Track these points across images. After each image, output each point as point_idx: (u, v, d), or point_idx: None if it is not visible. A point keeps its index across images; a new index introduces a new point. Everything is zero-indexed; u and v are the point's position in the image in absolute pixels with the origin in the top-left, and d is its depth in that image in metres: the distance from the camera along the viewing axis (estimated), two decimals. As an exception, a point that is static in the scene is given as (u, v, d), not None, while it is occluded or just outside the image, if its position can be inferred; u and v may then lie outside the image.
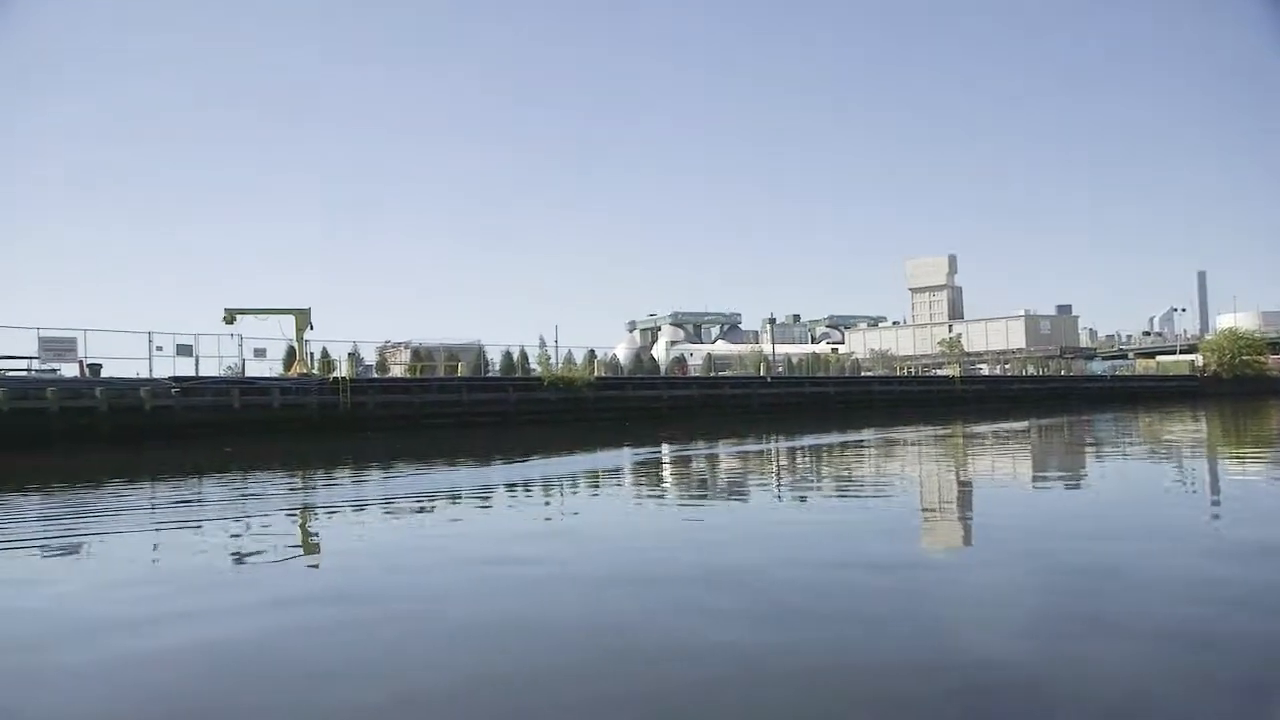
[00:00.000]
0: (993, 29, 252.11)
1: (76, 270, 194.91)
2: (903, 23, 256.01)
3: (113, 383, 31.33)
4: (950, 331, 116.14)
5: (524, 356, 51.24)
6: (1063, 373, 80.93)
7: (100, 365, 33.75)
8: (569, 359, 51.56)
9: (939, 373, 75.30)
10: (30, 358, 32.28)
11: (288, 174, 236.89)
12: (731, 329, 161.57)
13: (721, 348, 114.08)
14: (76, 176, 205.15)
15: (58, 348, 32.52)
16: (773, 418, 44.70)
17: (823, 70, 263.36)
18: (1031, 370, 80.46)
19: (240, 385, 34.26)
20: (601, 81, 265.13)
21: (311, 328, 38.04)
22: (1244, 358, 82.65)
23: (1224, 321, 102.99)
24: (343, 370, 39.09)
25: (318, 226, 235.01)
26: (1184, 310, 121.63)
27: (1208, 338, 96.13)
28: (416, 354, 48.92)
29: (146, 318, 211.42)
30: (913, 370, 78.81)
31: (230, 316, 36.10)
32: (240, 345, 37.47)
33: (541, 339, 53.97)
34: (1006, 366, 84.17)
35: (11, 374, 31.27)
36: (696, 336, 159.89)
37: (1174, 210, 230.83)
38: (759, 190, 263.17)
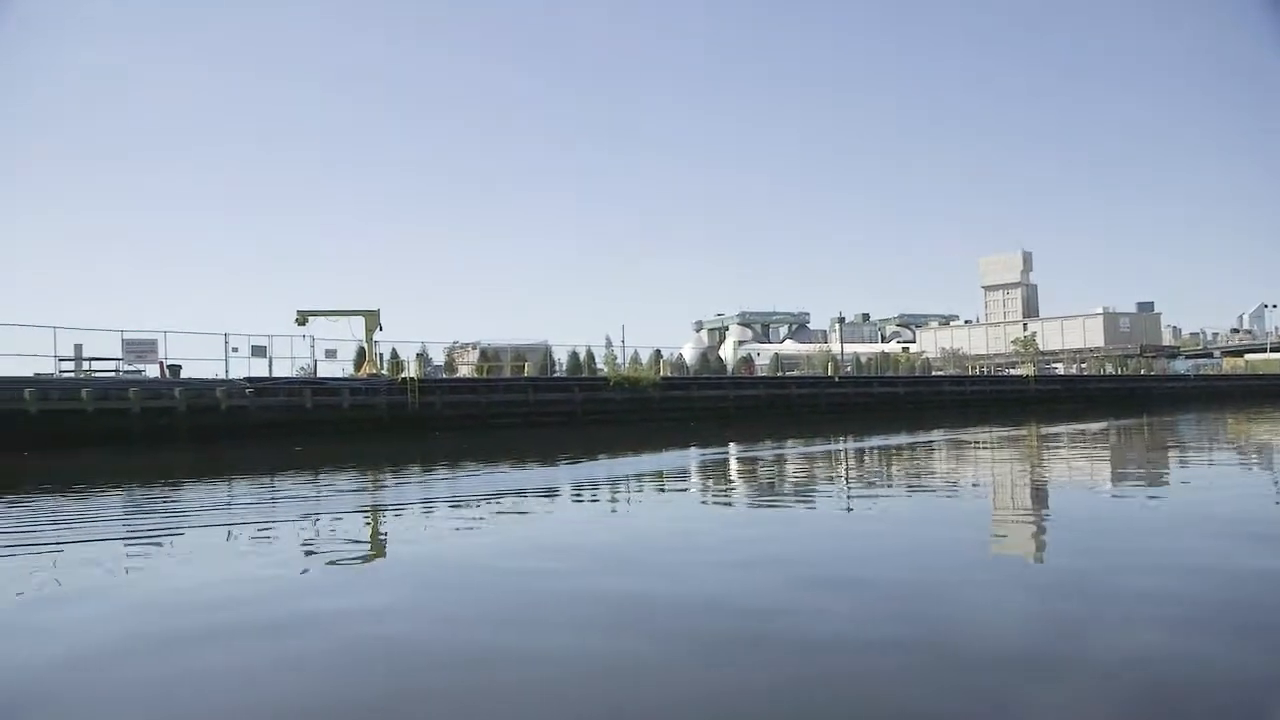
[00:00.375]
0: (1067, 23, 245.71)
1: (158, 274, 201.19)
2: (971, 18, 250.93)
3: (190, 383, 32.24)
4: (1025, 330, 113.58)
5: (590, 357, 51.54)
6: (1143, 372, 78.47)
7: (180, 366, 34.81)
8: (635, 359, 51.73)
9: (1012, 372, 73.58)
10: (117, 359, 33.47)
11: (361, 175, 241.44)
12: (800, 329, 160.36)
13: (790, 347, 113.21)
14: (155, 184, 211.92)
15: (140, 349, 33.63)
16: (840, 418, 44.10)
17: (895, 67, 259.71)
18: (1109, 369, 78.18)
19: (312, 385, 34.96)
20: (669, 78, 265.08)
21: (381, 329, 38.72)
22: (1342, 356, 79.18)
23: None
24: (411, 370, 39.69)
25: (388, 227, 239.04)
26: (1275, 306, 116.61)
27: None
28: (484, 354, 49.63)
29: (223, 320, 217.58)
30: (985, 370, 77.12)
31: (302, 318, 36.89)
32: (312, 346, 38.35)
33: (608, 339, 54.37)
34: (1083, 366, 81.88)
35: (99, 374, 32.42)
36: (764, 336, 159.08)
37: (1266, 202, 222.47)
38: (827, 188, 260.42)
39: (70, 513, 12.64)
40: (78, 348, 33.32)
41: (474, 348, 50.60)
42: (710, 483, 16.63)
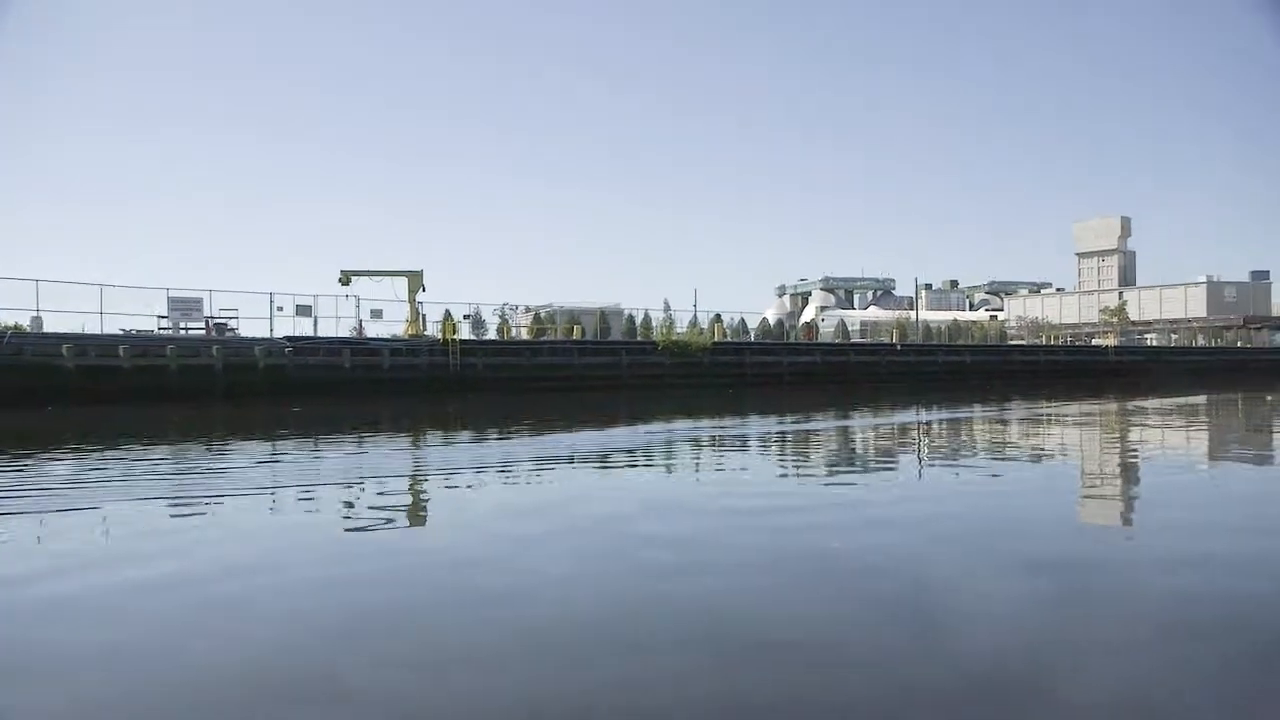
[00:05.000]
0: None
1: (208, 234, 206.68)
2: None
3: (229, 342, 32.72)
4: (1120, 299, 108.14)
5: (647, 320, 50.75)
6: (1239, 344, 73.90)
7: (225, 324, 35.42)
8: (694, 323, 50.82)
9: (1096, 342, 70.19)
10: (222, 320, 34.57)
11: (441, 132, 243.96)
12: (884, 295, 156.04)
13: (872, 314, 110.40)
14: (200, 147, 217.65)
15: (185, 307, 34.27)
16: (898, 388, 42.54)
17: (988, 28, 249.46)
18: (1202, 341, 73.87)
19: (351, 345, 35.20)
20: (753, 42, 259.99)
21: (424, 289, 38.64)
22: None
23: None
24: (458, 332, 39.52)
25: (462, 188, 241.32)
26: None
27: None
28: (537, 317, 49.24)
29: (273, 281, 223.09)
30: (1067, 339, 73.75)
31: (346, 278, 37.07)
32: (358, 306, 38.56)
33: (665, 303, 53.40)
34: (1175, 337, 77.64)
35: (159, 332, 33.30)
36: (848, 302, 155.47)
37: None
38: (917, 151, 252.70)
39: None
40: (171, 300, 34.15)
41: (527, 310, 50.19)
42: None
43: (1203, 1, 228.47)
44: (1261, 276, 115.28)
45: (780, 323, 60.48)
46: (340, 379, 33.62)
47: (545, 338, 44.90)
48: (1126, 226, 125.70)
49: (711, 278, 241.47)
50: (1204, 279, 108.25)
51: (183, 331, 34.01)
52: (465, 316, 42.47)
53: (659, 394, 37.03)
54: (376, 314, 39.19)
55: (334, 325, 37.98)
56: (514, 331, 47.15)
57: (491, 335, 44.76)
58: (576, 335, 44.51)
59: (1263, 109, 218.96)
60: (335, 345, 34.86)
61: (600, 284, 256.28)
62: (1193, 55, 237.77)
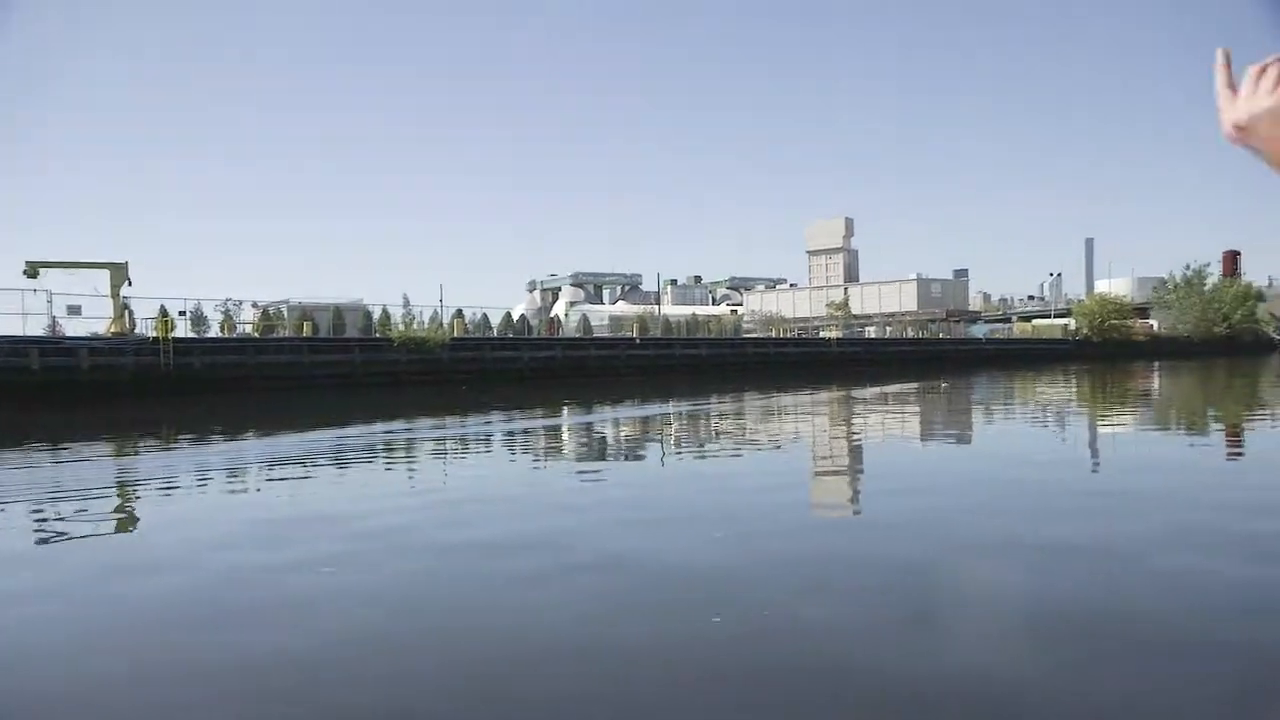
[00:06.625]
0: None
1: None
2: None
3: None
4: (844, 294, 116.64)
5: (386, 317, 49.12)
6: (941, 335, 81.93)
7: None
8: (435, 318, 49.70)
9: (822, 335, 75.44)
10: None
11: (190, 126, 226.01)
12: (632, 289, 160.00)
13: (619, 308, 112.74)
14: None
15: None
16: (637, 382, 43.62)
17: (732, 30, 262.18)
18: (911, 333, 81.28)
19: (39, 345, 31.67)
20: (506, 36, 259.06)
21: (130, 283, 35.40)
22: (1112, 322, 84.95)
23: (1101, 287, 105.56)
24: (175, 330, 36.46)
25: (197, 180, 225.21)
26: (1058, 275, 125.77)
27: (1079, 302, 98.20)
28: (265, 313, 46.42)
29: None
30: (796, 332, 78.80)
31: (33, 270, 33.29)
32: (49, 302, 34.67)
33: (405, 298, 51.70)
34: (889, 329, 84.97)
35: None
36: (597, 297, 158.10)
37: (1076, 177, 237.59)
38: (665, 151, 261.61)
39: None
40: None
41: (255, 306, 47.15)
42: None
43: (920, 14, 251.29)
44: (962, 274, 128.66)
45: (524, 318, 60.44)
46: (27, 382, 30.17)
47: (274, 335, 42.45)
48: (850, 227, 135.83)
49: (466, 276, 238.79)
50: (914, 276, 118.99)
51: None
52: (181, 313, 39.32)
53: (395, 392, 36.07)
54: (74, 310, 35.46)
55: (20, 323, 33.93)
56: (240, 329, 44.28)
57: (215, 333, 41.84)
58: (308, 332, 42.38)
59: (962, 125, 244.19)
60: (21, 345, 31.21)
61: (347, 281, 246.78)
62: (909, 68, 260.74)
